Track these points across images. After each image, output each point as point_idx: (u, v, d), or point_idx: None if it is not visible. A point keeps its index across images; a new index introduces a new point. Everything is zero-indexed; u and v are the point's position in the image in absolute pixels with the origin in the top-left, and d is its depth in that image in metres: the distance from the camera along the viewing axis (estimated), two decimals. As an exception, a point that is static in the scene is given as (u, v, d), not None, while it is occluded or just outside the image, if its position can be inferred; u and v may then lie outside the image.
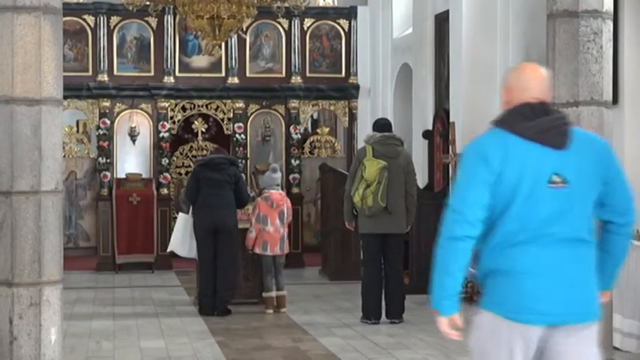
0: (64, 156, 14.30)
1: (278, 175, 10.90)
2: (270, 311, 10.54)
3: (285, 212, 10.67)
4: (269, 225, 10.53)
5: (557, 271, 3.79)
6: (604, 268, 3.98)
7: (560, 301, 3.79)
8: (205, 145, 15.81)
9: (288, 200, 10.97)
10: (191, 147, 15.99)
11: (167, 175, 15.51)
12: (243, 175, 14.66)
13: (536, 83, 3.89)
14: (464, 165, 3.89)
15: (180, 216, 11.30)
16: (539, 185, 3.78)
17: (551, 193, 3.79)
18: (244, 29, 15.21)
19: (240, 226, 10.86)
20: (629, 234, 4.03)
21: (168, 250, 11.62)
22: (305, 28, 16.03)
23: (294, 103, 15.88)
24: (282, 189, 12.08)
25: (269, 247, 10.54)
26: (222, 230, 10.47)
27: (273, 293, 10.62)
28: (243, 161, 15.68)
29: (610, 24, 6.43)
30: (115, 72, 15.49)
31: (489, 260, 3.88)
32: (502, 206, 3.80)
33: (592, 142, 4.01)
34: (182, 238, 10.94)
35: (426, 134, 13.66)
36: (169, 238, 14.82)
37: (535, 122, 3.81)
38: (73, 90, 14.60)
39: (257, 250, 10.58)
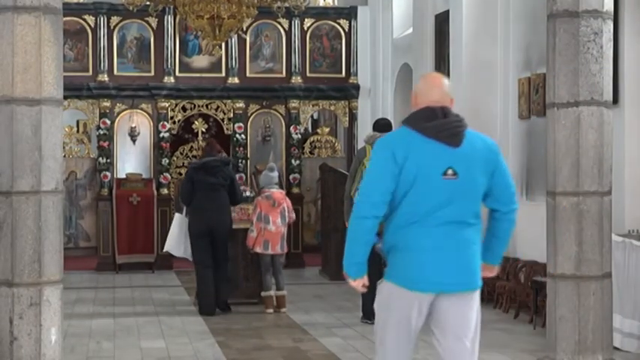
0: (64, 156, 14.29)
1: (275, 173, 10.91)
2: (270, 310, 10.54)
3: (287, 211, 10.69)
4: (271, 224, 10.54)
5: (444, 247, 4.57)
6: (491, 247, 4.83)
7: (446, 273, 4.57)
8: (204, 142, 15.82)
9: (288, 199, 10.99)
10: (191, 147, 15.99)
11: (167, 175, 15.52)
12: (239, 175, 14.74)
13: (437, 90, 4.68)
14: (374, 157, 4.64)
15: (176, 216, 11.36)
16: (434, 176, 4.55)
17: (444, 183, 4.55)
18: (244, 29, 15.21)
19: (241, 226, 10.87)
20: (512, 220, 4.80)
21: (164, 250, 11.70)
22: (305, 28, 16.03)
23: (294, 103, 15.89)
24: (283, 189, 12.12)
25: (270, 245, 10.55)
26: (217, 232, 10.50)
27: (272, 292, 10.62)
28: (243, 161, 15.68)
29: (610, 24, 6.42)
30: (115, 72, 15.49)
31: (391, 238, 4.65)
32: (403, 192, 4.55)
33: (482, 142, 4.71)
34: (177, 239, 11.01)
35: (426, 134, 13.65)
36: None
37: (434, 123, 4.58)
38: (73, 90, 14.61)
39: (258, 250, 10.58)
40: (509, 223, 4.81)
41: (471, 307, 4.67)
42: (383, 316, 4.74)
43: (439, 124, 4.59)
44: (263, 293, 10.66)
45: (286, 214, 10.69)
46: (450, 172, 4.55)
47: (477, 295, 4.69)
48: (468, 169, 4.59)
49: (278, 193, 10.76)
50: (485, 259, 4.79)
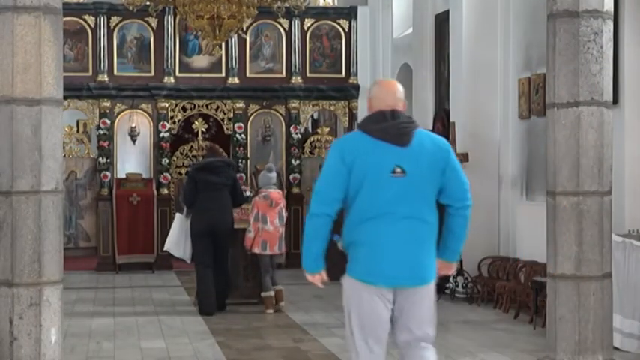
0: (64, 156, 14.29)
1: (273, 174, 10.92)
2: (271, 311, 10.55)
3: (284, 211, 10.72)
4: (268, 224, 10.55)
5: (398, 243, 4.82)
6: (447, 243, 5.05)
7: (401, 268, 4.83)
8: (205, 145, 15.81)
9: (284, 199, 11.03)
10: (191, 147, 15.99)
11: (167, 175, 15.52)
12: (240, 175, 14.75)
13: (391, 96, 4.98)
14: (327, 158, 4.95)
15: (177, 216, 11.43)
16: (383, 174, 4.82)
17: (393, 180, 4.82)
18: (244, 29, 15.21)
19: (241, 226, 10.88)
20: (466, 216, 5.00)
21: (164, 248, 11.72)
22: (305, 28, 16.03)
23: (294, 103, 15.89)
24: (283, 189, 12.13)
25: (268, 246, 10.56)
26: (219, 232, 10.56)
27: (272, 292, 10.63)
28: (243, 161, 15.68)
29: (610, 24, 6.42)
30: (115, 72, 15.49)
31: (348, 234, 4.97)
32: (354, 191, 4.85)
33: (432, 141, 4.95)
34: (177, 239, 11.07)
35: (426, 134, 13.65)
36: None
37: (382, 125, 4.87)
38: (73, 90, 14.61)
39: (256, 250, 10.59)
40: (463, 219, 5.00)
41: (425, 300, 4.95)
42: (348, 308, 5.02)
43: (387, 126, 4.87)
44: (263, 294, 10.67)
45: (283, 214, 10.71)
46: (398, 170, 4.83)
47: (431, 288, 4.98)
48: (416, 167, 4.84)
49: (275, 193, 10.77)
50: (442, 255, 5.03)
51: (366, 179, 4.83)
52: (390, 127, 4.87)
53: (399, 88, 5.05)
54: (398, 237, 4.83)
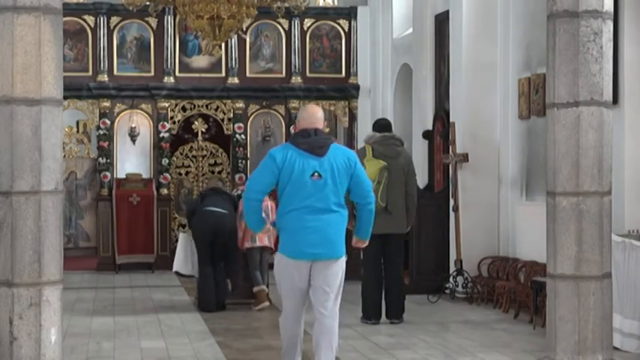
0: (64, 156, 14.30)
1: None
2: (267, 304, 10.64)
3: (269, 207, 10.60)
4: None
5: (314, 228, 6.45)
6: (359, 227, 6.84)
7: (317, 245, 6.45)
8: (205, 146, 15.84)
9: (270, 200, 11.02)
10: (191, 147, 15.99)
11: (167, 175, 15.52)
12: (239, 175, 14.95)
13: (312, 118, 6.62)
14: (264, 160, 6.58)
15: (181, 236, 11.99)
16: (304, 177, 6.44)
17: (311, 182, 6.45)
18: (244, 29, 15.21)
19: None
20: (370, 210, 6.72)
21: (173, 270, 12.30)
22: (305, 28, 16.03)
23: (294, 103, 15.90)
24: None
25: (257, 238, 10.65)
26: (221, 235, 10.76)
27: (264, 286, 10.73)
28: (243, 161, 15.69)
29: (610, 24, 6.42)
30: (115, 72, 15.49)
31: (279, 221, 6.60)
32: (282, 187, 6.48)
33: (342, 153, 6.62)
34: (184, 258, 11.78)
35: (426, 134, 13.66)
36: (169, 238, 15.02)
37: (306, 139, 6.51)
38: (73, 90, 14.62)
39: (247, 245, 10.75)
40: (367, 212, 6.73)
41: (336, 270, 6.55)
42: (279, 278, 6.60)
43: (310, 141, 6.50)
44: (255, 288, 10.77)
45: (269, 212, 10.70)
46: (316, 174, 6.44)
47: (341, 261, 6.58)
48: (330, 172, 6.47)
49: None
50: (356, 234, 6.90)
51: (291, 179, 6.45)
52: (312, 141, 6.50)
53: (320, 112, 6.76)
54: (314, 223, 6.45)
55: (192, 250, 11.32)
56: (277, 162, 6.44)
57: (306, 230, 6.43)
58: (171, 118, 15.72)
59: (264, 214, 6.76)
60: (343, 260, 6.60)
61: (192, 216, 11.09)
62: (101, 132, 15.39)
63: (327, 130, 6.90)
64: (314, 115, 6.67)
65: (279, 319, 6.83)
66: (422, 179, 13.13)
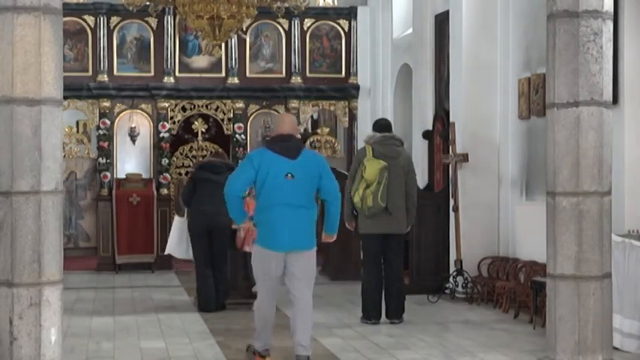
0: (64, 156, 14.30)
1: None
2: None
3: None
4: None
5: (288, 221, 7.24)
6: (328, 222, 7.62)
7: (290, 238, 7.25)
8: (205, 146, 15.84)
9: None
10: (191, 147, 16.00)
11: (167, 175, 15.53)
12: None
13: (287, 125, 7.51)
14: (243, 161, 7.55)
15: (176, 219, 11.68)
16: (279, 177, 7.25)
17: (285, 181, 7.25)
18: (244, 29, 15.22)
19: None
20: (337, 205, 7.53)
21: (166, 252, 12.05)
22: (305, 28, 16.04)
23: (294, 104, 15.90)
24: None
25: None
26: (216, 230, 10.65)
27: None
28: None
29: (610, 24, 6.42)
30: (115, 72, 15.50)
31: (257, 216, 7.38)
32: (259, 187, 7.29)
33: (313, 156, 7.59)
34: (178, 240, 11.46)
35: (426, 134, 13.66)
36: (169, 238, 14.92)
37: (280, 144, 7.36)
38: (73, 90, 14.63)
39: (247, 249, 10.62)
40: (335, 208, 7.53)
41: (308, 260, 7.38)
42: (256, 267, 7.44)
43: (284, 145, 7.34)
44: (255, 288, 10.71)
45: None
46: (289, 175, 7.25)
47: (313, 252, 7.41)
48: (302, 173, 7.29)
49: None
50: (325, 230, 7.68)
51: (267, 179, 7.25)
52: (286, 146, 7.33)
53: (294, 119, 7.77)
54: (287, 218, 7.23)
55: (186, 234, 11.09)
56: (254, 163, 7.27)
57: (282, 224, 7.21)
58: (171, 118, 15.72)
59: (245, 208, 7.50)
60: (314, 251, 7.43)
61: (188, 205, 10.92)
62: (101, 132, 15.39)
63: (300, 135, 8.08)
64: (289, 122, 7.59)
65: (253, 304, 7.65)
66: (422, 179, 13.13)
